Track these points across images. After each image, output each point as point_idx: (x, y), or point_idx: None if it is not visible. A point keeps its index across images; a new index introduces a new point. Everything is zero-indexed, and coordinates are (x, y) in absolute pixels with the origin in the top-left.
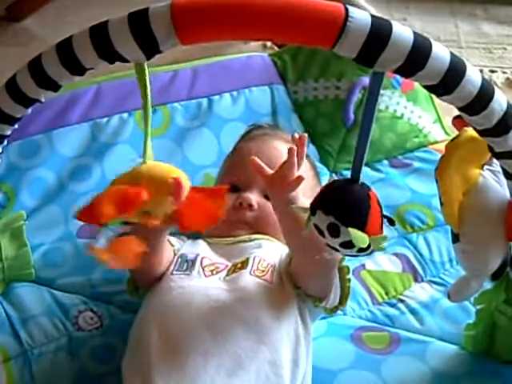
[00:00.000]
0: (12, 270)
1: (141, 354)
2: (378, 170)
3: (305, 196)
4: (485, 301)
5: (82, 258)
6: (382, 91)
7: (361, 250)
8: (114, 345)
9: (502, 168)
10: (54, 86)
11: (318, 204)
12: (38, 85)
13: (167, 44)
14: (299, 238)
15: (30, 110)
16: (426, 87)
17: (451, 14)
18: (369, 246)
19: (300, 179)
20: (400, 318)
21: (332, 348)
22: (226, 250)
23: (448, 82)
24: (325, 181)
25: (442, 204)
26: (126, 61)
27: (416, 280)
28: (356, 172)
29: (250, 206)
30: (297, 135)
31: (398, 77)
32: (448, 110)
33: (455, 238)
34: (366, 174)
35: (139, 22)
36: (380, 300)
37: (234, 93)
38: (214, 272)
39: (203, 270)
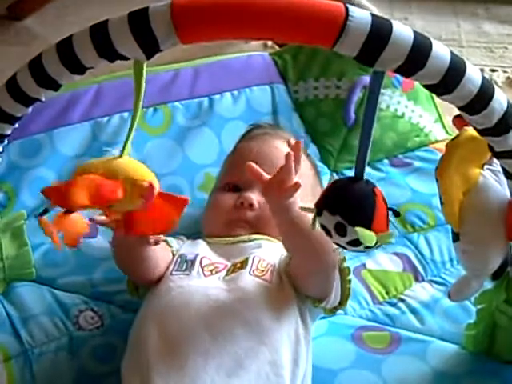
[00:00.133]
0: (12, 270)
1: (140, 353)
2: (378, 170)
3: (305, 195)
4: (485, 300)
5: (83, 257)
6: (382, 90)
7: (368, 246)
8: (114, 344)
9: (502, 167)
10: (55, 85)
11: (324, 204)
12: (38, 84)
13: (167, 43)
14: (297, 243)
15: (30, 109)
16: (426, 86)
17: (453, 13)
18: (376, 242)
19: (297, 186)
20: (400, 318)
21: (332, 347)
22: (226, 250)
23: (448, 82)
24: (325, 180)
25: (442, 203)
26: (127, 58)
27: (417, 279)
28: (360, 170)
29: (251, 205)
30: (292, 140)
31: (398, 76)
32: (449, 110)
33: (455, 238)
34: (367, 174)
35: (139, 21)
36: (381, 299)
37: (235, 92)
38: (214, 272)
39: (203, 269)
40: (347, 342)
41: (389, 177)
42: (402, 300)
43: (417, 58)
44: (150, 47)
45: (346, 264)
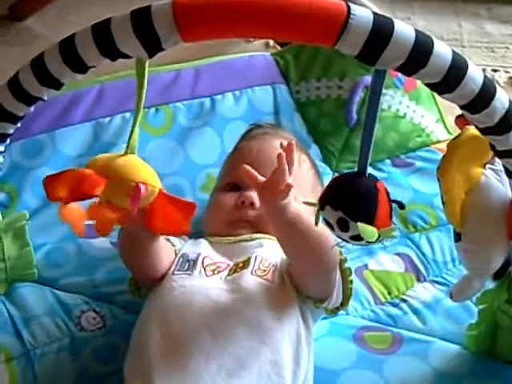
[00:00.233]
0: (14, 270)
1: (142, 354)
2: (380, 170)
3: (306, 195)
4: (487, 300)
5: (85, 258)
6: (384, 91)
7: (371, 240)
8: (116, 345)
9: (504, 167)
10: (57, 84)
11: (327, 199)
12: (40, 83)
13: (169, 41)
14: (295, 245)
15: (32, 109)
16: (427, 85)
17: (454, 13)
18: (378, 237)
19: (289, 187)
20: (402, 318)
21: (334, 348)
22: (228, 249)
23: (450, 80)
24: (327, 180)
25: (443, 203)
26: (129, 57)
27: (418, 280)
28: (363, 165)
29: (252, 204)
30: (284, 142)
31: (400, 76)
32: (451, 110)
33: (457, 237)
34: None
35: (141, 20)
36: (382, 300)
37: (237, 92)
38: (216, 272)
39: (205, 269)
40: (349, 343)
41: (391, 177)
42: (404, 300)
43: (418, 56)
44: (152, 45)
45: (347, 265)
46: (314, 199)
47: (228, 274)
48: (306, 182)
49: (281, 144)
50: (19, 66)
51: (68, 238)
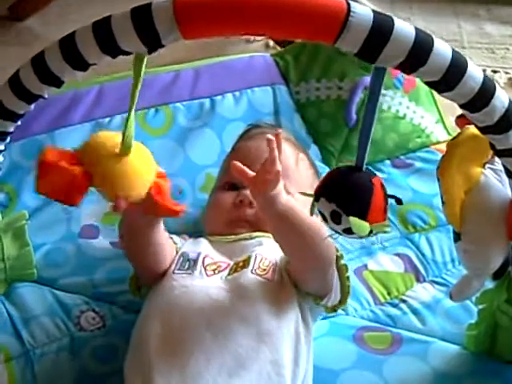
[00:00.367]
0: (14, 270)
1: (142, 353)
2: (380, 170)
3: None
4: (486, 300)
5: (84, 257)
6: (384, 91)
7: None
8: (116, 345)
9: (504, 166)
10: (57, 82)
11: (322, 191)
12: (41, 81)
13: (169, 38)
14: (288, 237)
15: (32, 107)
16: (427, 83)
17: (454, 14)
18: (371, 231)
19: (277, 175)
20: (402, 318)
21: (334, 348)
22: (228, 248)
23: (450, 78)
24: None
25: (443, 203)
26: (129, 54)
27: (418, 280)
28: (360, 159)
29: (251, 203)
30: (270, 136)
31: (400, 77)
32: (450, 110)
33: (457, 237)
34: None
35: (142, 17)
36: (382, 300)
37: (237, 93)
38: (216, 271)
39: (205, 269)
40: (348, 343)
41: (390, 178)
42: (404, 301)
43: (418, 54)
44: (153, 42)
45: (343, 261)
46: None
47: (228, 274)
48: (304, 181)
49: (267, 139)
50: (20, 65)
51: (67, 238)
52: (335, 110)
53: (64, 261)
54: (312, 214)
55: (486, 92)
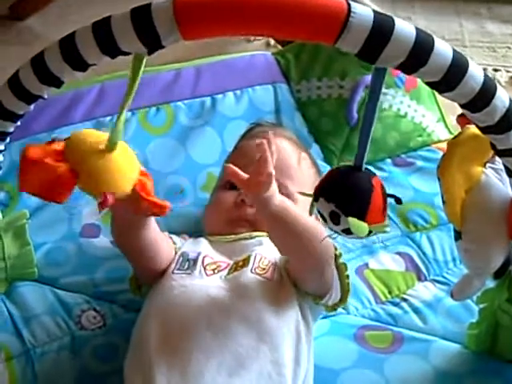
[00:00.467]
0: (15, 269)
1: (142, 352)
2: (381, 169)
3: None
4: (488, 299)
5: (85, 257)
6: (385, 90)
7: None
8: (116, 344)
9: (505, 166)
10: (57, 82)
11: (321, 191)
12: (40, 81)
13: (169, 39)
14: (283, 238)
15: (32, 107)
16: (428, 84)
17: (456, 13)
18: (370, 232)
19: (269, 177)
20: (403, 317)
21: (335, 347)
22: (228, 248)
23: (450, 79)
24: None
25: (444, 202)
26: (129, 54)
27: (419, 279)
28: (359, 159)
29: None
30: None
31: (401, 76)
32: (452, 109)
33: (457, 236)
34: None
35: (142, 18)
36: (383, 299)
37: (238, 91)
38: (216, 271)
39: (205, 269)
40: (349, 342)
41: (391, 176)
42: (405, 299)
43: (419, 54)
44: (153, 43)
45: (342, 260)
46: None
47: (228, 273)
48: (306, 181)
49: (257, 144)
50: (20, 65)
51: (68, 237)
52: (336, 108)
53: (65, 260)
54: (311, 214)
55: (486, 92)
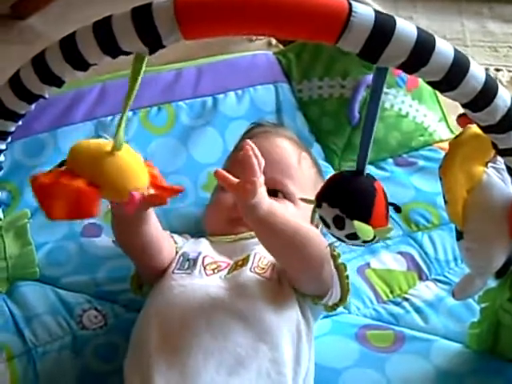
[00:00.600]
0: (16, 269)
1: (141, 351)
2: (382, 169)
3: (307, 193)
4: (489, 299)
5: (87, 256)
6: (386, 90)
7: (366, 240)
8: (117, 343)
9: (506, 165)
10: (58, 82)
11: (324, 196)
12: (41, 81)
13: (170, 39)
14: (270, 243)
15: (33, 107)
16: (429, 83)
17: (457, 12)
18: (374, 237)
19: (254, 183)
20: (405, 317)
21: (336, 346)
22: (228, 248)
23: (452, 78)
24: None
25: (446, 202)
26: (130, 54)
27: (421, 278)
28: (361, 164)
29: None
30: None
31: (402, 75)
32: (453, 109)
33: (459, 236)
34: (371, 173)
35: (143, 17)
36: (385, 298)
37: (239, 91)
38: (216, 271)
39: (205, 269)
40: (351, 341)
41: (393, 176)
42: (406, 299)
43: (420, 54)
44: (153, 43)
45: (340, 260)
46: None
47: (227, 273)
48: (307, 180)
49: (243, 147)
50: (21, 64)
51: (70, 236)
52: (338, 108)
53: (66, 259)
54: (313, 220)
55: (488, 91)
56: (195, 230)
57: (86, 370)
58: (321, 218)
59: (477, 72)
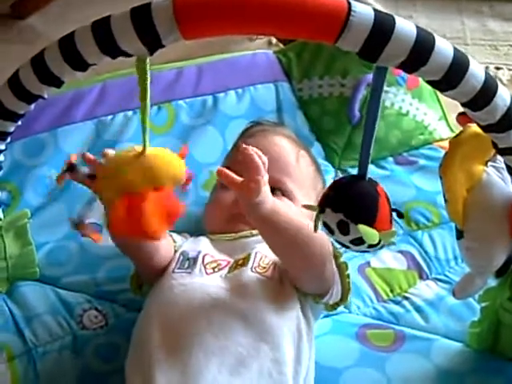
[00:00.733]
0: (16, 269)
1: (142, 351)
2: (383, 167)
3: (305, 191)
4: (489, 298)
5: (87, 256)
6: (387, 88)
7: (371, 245)
8: (118, 343)
9: (506, 164)
10: (57, 82)
11: (327, 202)
12: (40, 81)
13: (170, 39)
14: (273, 241)
15: (32, 107)
16: (429, 82)
17: (457, 11)
18: (379, 241)
19: (258, 182)
20: (405, 316)
21: (337, 346)
22: (228, 246)
23: (451, 77)
24: (330, 178)
25: (446, 201)
26: (129, 55)
27: (421, 277)
28: (363, 168)
29: None
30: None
31: (403, 74)
32: (453, 107)
33: (459, 235)
34: (371, 171)
35: (142, 17)
36: (385, 297)
37: (239, 90)
38: (216, 269)
39: (205, 267)
40: (351, 340)
41: (393, 175)
42: (407, 298)
43: (419, 53)
44: (153, 43)
45: (342, 259)
46: (315, 196)
47: (228, 272)
48: (305, 178)
49: (244, 148)
50: (21, 64)
51: (70, 236)
52: (338, 107)
53: (66, 259)
54: (316, 226)
55: (487, 90)
56: (195, 229)
57: (87, 370)
58: (325, 223)
59: (476, 71)
